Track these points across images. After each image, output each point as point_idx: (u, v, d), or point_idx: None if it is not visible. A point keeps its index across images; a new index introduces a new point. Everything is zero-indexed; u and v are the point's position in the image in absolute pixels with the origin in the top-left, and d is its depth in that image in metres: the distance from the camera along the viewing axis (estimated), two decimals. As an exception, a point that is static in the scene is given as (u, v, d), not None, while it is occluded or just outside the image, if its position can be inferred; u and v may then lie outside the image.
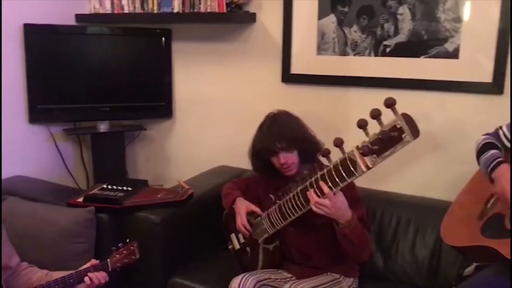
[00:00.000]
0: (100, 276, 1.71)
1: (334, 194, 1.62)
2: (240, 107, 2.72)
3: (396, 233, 2.14)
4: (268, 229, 1.94)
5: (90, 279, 1.69)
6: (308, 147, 1.91)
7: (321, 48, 2.43)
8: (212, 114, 2.81)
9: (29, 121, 2.67)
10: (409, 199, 2.24)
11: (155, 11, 2.65)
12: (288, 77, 2.54)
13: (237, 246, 2.11)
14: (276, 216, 1.87)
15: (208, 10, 2.49)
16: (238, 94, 2.72)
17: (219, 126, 2.81)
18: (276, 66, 2.55)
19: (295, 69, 2.52)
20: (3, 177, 2.46)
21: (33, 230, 2.07)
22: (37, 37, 2.56)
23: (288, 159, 1.90)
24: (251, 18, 2.55)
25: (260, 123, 1.99)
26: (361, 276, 2.04)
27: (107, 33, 2.76)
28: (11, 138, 2.59)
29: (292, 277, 1.98)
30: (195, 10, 2.53)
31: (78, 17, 2.80)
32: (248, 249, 2.08)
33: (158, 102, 2.87)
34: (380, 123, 1.43)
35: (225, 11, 2.45)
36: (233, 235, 2.14)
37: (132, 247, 1.83)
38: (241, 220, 1.98)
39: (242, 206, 2.02)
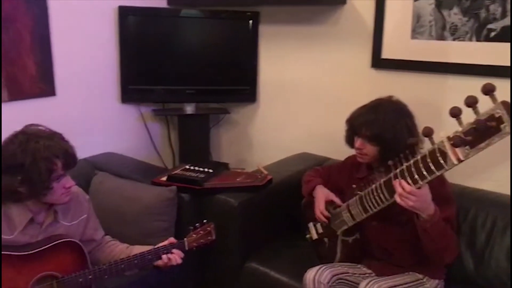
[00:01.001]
0: (177, 256, 1.73)
1: (420, 187, 1.50)
2: (325, 93, 2.63)
3: (490, 235, 1.94)
4: (347, 221, 1.86)
5: (168, 257, 1.71)
6: (393, 150, 1.69)
7: (416, 32, 2.26)
8: (297, 100, 2.75)
9: (121, 101, 2.79)
10: (507, 200, 2.02)
11: (244, -7, 2.63)
12: (378, 62, 2.39)
13: (315, 236, 2.06)
14: (357, 208, 1.78)
15: (297, -8, 2.43)
16: (324, 79, 2.62)
17: (303, 112, 2.74)
18: (366, 50, 2.42)
19: (387, 53, 2.36)
20: (95, 153, 2.60)
21: (118, 205, 2.16)
22: (130, 19, 2.66)
23: (364, 148, 1.80)
24: (341, -1, 2.44)
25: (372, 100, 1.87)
26: (447, 279, 1.89)
27: (197, 15, 2.78)
28: (104, 117, 2.73)
29: (371, 273, 1.89)
30: (284, -8, 2.48)
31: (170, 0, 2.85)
32: (326, 240, 2.01)
33: (243, 86, 2.87)
34: (476, 111, 1.28)
35: (314, -8, 2.37)
36: (311, 224, 2.09)
37: (209, 228, 1.84)
38: (320, 207, 1.93)
39: (322, 194, 1.97)
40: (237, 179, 2.23)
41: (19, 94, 2.31)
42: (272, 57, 2.80)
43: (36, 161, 1.46)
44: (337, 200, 1.92)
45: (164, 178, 2.25)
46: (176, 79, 2.80)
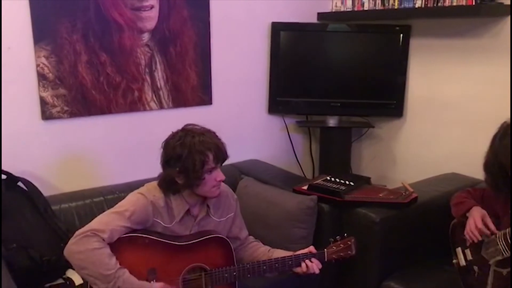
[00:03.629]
0: (316, 266, 1.75)
1: None
2: (481, 110, 2.44)
3: None
4: (503, 251, 1.70)
5: (307, 266, 1.74)
6: None
7: None
8: (448, 116, 2.60)
9: (268, 111, 2.93)
10: None
11: (396, 7, 2.58)
12: (548, 79, 2.16)
13: (463, 263, 1.91)
14: (516, 238, 1.62)
15: (454, 4, 2.31)
16: (481, 96, 2.44)
17: (454, 130, 2.59)
18: (533, 65, 2.21)
19: (558, 69, 2.13)
20: (241, 159, 2.76)
21: (261, 209, 2.26)
22: (282, 34, 2.78)
23: None
24: (505, 10, 2.26)
25: (493, 134, 1.76)
26: None
27: (345, 30, 2.81)
28: (252, 126, 2.90)
29: (527, 311, 1.70)
30: (439, 4, 2.38)
31: (320, 15, 2.92)
32: (475, 268, 1.86)
33: (389, 100, 2.80)
34: None
35: (474, 3, 2.23)
36: (459, 250, 1.95)
37: (349, 242, 1.82)
38: (475, 222, 1.78)
39: (479, 214, 1.82)
40: (380, 195, 2.18)
41: (182, 102, 2.57)
42: (423, 71, 2.70)
43: (192, 153, 1.63)
44: (492, 226, 1.77)
45: (305, 187, 2.30)
46: (321, 92, 2.86)
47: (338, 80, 2.85)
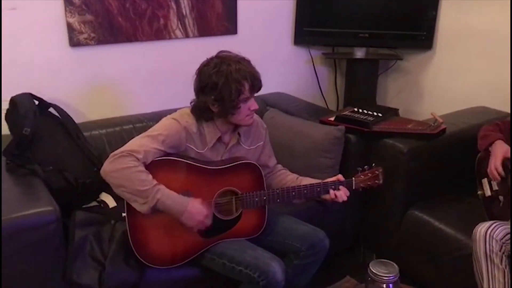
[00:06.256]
0: (344, 194, 1.77)
1: None
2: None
3: None
4: (531, 179, 1.71)
5: (335, 193, 1.77)
6: None
7: None
8: (480, 49, 2.52)
9: (294, 42, 2.87)
10: None
11: None
12: None
13: (488, 193, 1.94)
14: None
15: None
16: (515, 27, 2.36)
17: (485, 63, 2.51)
18: None
19: None
20: (265, 92, 2.72)
21: (288, 139, 2.27)
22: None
23: None
24: None
25: None
26: None
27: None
28: (277, 58, 2.85)
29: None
30: None
31: None
32: (501, 198, 1.88)
33: (418, 31, 2.71)
34: None
35: None
36: (485, 180, 1.96)
37: (377, 172, 1.83)
38: (495, 162, 1.80)
39: (500, 150, 1.83)
40: (408, 126, 2.17)
41: (207, 31, 2.53)
42: (457, 2, 2.58)
43: (228, 82, 1.61)
44: (516, 157, 1.78)
45: (332, 118, 2.29)
46: (349, 22, 2.78)
47: (367, 10, 2.75)
